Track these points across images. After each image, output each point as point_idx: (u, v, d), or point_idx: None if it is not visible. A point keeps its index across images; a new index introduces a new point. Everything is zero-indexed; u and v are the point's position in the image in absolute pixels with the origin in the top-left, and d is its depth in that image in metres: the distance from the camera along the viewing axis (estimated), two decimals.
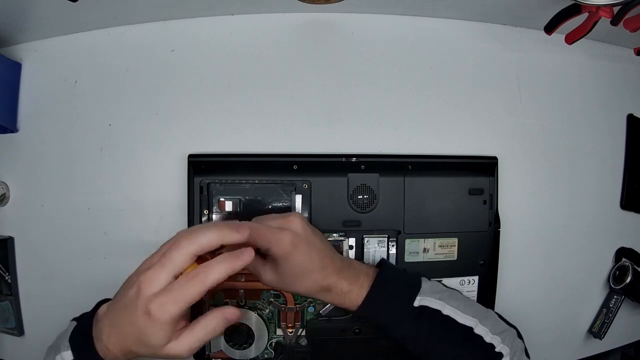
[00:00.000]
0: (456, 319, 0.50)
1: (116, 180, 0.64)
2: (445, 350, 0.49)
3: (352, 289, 0.50)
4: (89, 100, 0.64)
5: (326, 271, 0.50)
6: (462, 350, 0.50)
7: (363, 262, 0.57)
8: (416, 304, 0.50)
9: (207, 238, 0.40)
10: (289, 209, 0.61)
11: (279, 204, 0.62)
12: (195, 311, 0.46)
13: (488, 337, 0.50)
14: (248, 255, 0.41)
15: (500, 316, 0.54)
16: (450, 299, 0.52)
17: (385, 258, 0.62)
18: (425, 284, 0.53)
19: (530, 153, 0.68)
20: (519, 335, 0.53)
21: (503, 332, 0.51)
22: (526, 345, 0.54)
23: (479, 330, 0.50)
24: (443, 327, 0.50)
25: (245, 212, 0.61)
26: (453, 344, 0.50)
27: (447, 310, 0.50)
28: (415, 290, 0.51)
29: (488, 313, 0.53)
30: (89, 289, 0.64)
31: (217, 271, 0.39)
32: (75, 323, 0.50)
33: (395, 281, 0.52)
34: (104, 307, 0.46)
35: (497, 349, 0.49)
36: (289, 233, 0.48)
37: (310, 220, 0.62)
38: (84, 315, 0.50)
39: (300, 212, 0.61)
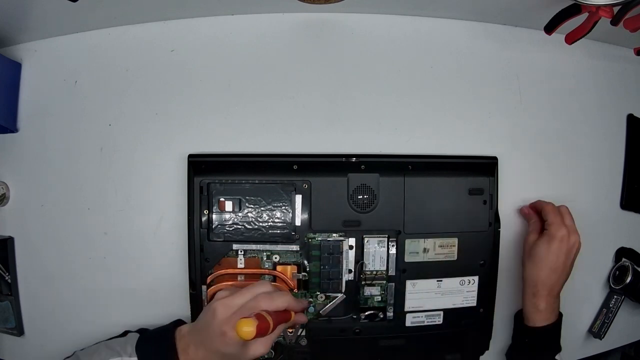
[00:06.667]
0: None
1: (116, 180, 0.64)
2: None
3: (546, 315, 0.60)
4: (89, 100, 0.64)
5: (555, 275, 0.60)
6: None
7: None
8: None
9: (280, 302, 0.49)
10: (290, 209, 0.61)
11: (279, 204, 0.62)
12: None
13: None
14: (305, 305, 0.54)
15: None
16: None
17: (386, 258, 0.62)
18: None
19: (530, 153, 0.68)
20: None
21: None
22: None
23: None
24: None
25: (245, 212, 0.61)
26: None
27: None
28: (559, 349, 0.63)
29: None
30: (89, 289, 0.64)
31: (281, 300, 0.49)
32: (136, 335, 0.54)
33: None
34: (188, 327, 0.53)
35: None
36: (568, 232, 0.60)
37: (310, 220, 0.62)
38: (144, 329, 0.57)
39: (300, 212, 0.62)
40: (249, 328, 0.43)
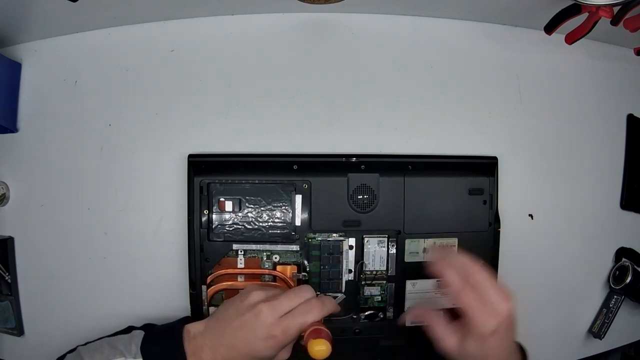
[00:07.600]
0: None
1: (116, 180, 0.64)
2: None
3: None
4: (89, 100, 0.64)
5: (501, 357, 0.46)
6: None
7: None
8: None
9: (331, 306, 0.50)
10: (290, 209, 0.62)
11: (279, 204, 0.62)
12: None
13: None
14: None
15: None
16: None
17: (386, 258, 0.62)
18: None
19: (530, 153, 0.68)
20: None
21: None
22: (527, 346, 0.54)
23: None
24: None
25: (245, 212, 0.61)
26: None
27: None
28: None
29: None
30: (88, 289, 0.64)
31: (330, 304, 0.49)
32: (141, 333, 0.51)
33: None
34: (199, 326, 0.49)
35: None
36: (498, 316, 0.44)
37: (310, 220, 0.62)
38: (151, 326, 0.54)
39: (300, 212, 0.62)
40: (322, 347, 0.45)
